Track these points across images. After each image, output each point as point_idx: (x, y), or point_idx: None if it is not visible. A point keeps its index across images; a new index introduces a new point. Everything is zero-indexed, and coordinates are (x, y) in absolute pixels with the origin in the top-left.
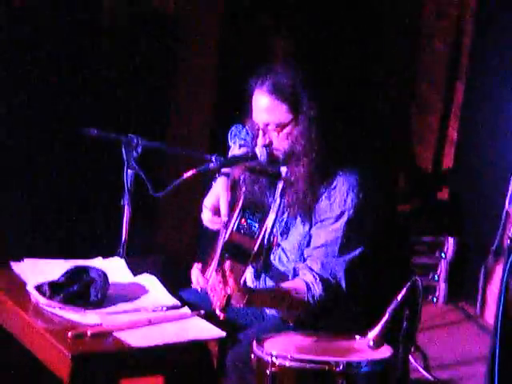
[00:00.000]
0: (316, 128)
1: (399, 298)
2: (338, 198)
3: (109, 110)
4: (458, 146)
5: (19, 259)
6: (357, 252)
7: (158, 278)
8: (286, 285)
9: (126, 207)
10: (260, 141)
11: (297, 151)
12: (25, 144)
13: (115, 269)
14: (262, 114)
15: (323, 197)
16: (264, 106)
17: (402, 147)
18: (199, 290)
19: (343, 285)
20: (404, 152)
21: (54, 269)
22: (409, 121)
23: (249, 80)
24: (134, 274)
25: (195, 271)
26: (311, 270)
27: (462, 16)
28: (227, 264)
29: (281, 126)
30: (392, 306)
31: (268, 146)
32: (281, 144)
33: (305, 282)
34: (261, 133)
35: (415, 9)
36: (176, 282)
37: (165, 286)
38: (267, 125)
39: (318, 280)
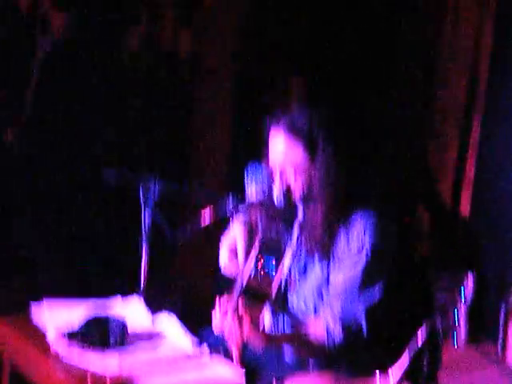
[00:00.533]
0: (333, 168)
1: (419, 339)
2: (355, 238)
3: (127, 152)
4: (476, 184)
5: (39, 298)
6: (377, 294)
7: (177, 316)
8: (305, 330)
9: (144, 249)
10: (277, 185)
11: (314, 193)
12: (44, 181)
13: (134, 310)
14: (278, 154)
15: (341, 238)
16: (280, 145)
17: (421, 184)
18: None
19: (364, 328)
20: (424, 189)
21: (73, 312)
22: (427, 158)
23: (265, 120)
24: (153, 313)
25: (216, 313)
26: (331, 313)
27: (478, 55)
28: (244, 306)
29: (297, 166)
30: (411, 347)
31: (286, 190)
32: (298, 185)
33: (325, 326)
34: (278, 177)
35: (431, 46)
36: (195, 322)
37: (185, 324)
38: (284, 168)
39: (337, 325)
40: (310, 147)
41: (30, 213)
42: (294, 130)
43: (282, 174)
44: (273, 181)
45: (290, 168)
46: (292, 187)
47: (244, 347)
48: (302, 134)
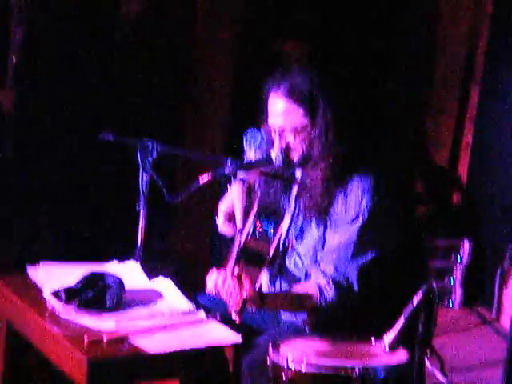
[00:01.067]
0: (332, 131)
1: (414, 302)
2: (353, 202)
3: (125, 114)
4: (473, 149)
5: (35, 262)
6: (370, 255)
7: (173, 281)
8: (298, 288)
9: (141, 211)
10: (276, 145)
11: (313, 155)
12: (41, 147)
13: (131, 273)
14: (278, 118)
15: (338, 200)
16: (280, 109)
17: (417, 150)
18: (213, 293)
19: (356, 288)
20: (420, 155)
21: (69, 273)
22: (424, 123)
23: (264, 83)
24: (150, 278)
25: (212, 276)
26: (324, 273)
27: (478, 20)
28: (243, 268)
29: (297, 130)
30: (407, 311)
31: (285, 149)
32: (297, 147)
33: (317, 285)
34: (277, 137)
35: (431, 13)
36: (192, 286)
37: (180, 289)
38: (283, 129)
39: (330, 283)
40: (310, 111)
41: (27, 176)
42: (294, 94)
43: (281, 135)
44: (272, 144)
45: (289, 131)
46: (291, 149)
47: (242, 307)
48: (302, 97)
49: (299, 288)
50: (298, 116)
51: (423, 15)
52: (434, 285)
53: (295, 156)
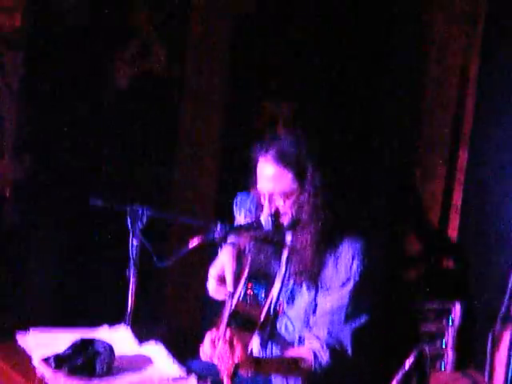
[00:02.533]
0: (322, 195)
1: (406, 366)
2: (344, 265)
3: (113, 177)
4: (463, 213)
5: (25, 328)
6: (363, 319)
7: (164, 346)
8: (292, 353)
9: (131, 277)
10: (266, 209)
11: (303, 219)
12: (32, 213)
13: (121, 338)
14: (267, 182)
15: (329, 263)
16: (269, 174)
17: (407, 214)
18: (206, 358)
19: (350, 352)
20: (412, 217)
21: (59, 340)
22: (415, 185)
23: (253, 148)
24: (140, 343)
25: (206, 340)
26: (317, 337)
27: (465, 84)
28: (234, 332)
29: (286, 194)
30: (399, 375)
31: (274, 214)
32: (287, 211)
33: (312, 350)
34: (267, 201)
35: (418, 77)
36: (183, 351)
37: (171, 355)
38: (273, 193)
39: (324, 348)
40: (300, 176)
41: (17, 242)
42: (282, 159)
43: (270, 200)
44: (261, 208)
45: (278, 195)
46: (281, 213)
47: (234, 372)
48: (291, 162)
49: (293, 353)
50: (286, 180)
51: (410, 77)
52: (426, 348)
53: (285, 220)
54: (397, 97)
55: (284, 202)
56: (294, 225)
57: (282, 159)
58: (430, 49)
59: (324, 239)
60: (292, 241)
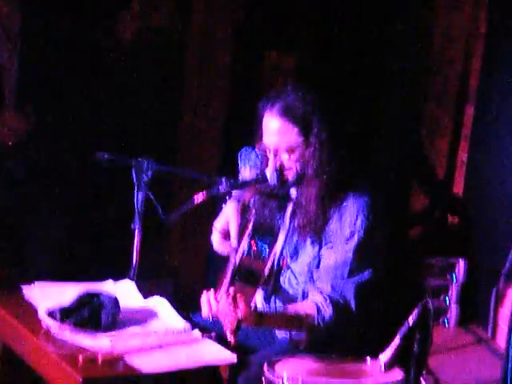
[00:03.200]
0: (327, 150)
1: (410, 321)
2: (348, 220)
3: (119, 132)
4: (469, 169)
5: (30, 281)
6: (366, 274)
7: (168, 300)
8: (295, 307)
9: (136, 230)
10: (271, 163)
11: (308, 173)
12: (36, 167)
13: (126, 292)
14: (272, 136)
15: (333, 218)
16: (275, 128)
17: (415, 163)
18: (210, 317)
19: (353, 306)
20: (416, 173)
21: (64, 293)
22: (420, 142)
23: (259, 103)
24: (145, 297)
25: (205, 297)
26: (321, 291)
27: (472, 40)
28: (237, 287)
29: (292, 149)
30: (403, 329)
31: (279, 168)
32: (292, 166)
33: (315, 303)
34: (272, 156)
35: (425, 33)
36: (187, 305)
37: (176, 308)
38: (278, 147)
39: (328, 302)
40: (305, 130)
41: (21, 197)
42: (288, 114)
43: (275, 154)
44: (266, 162)
45: (284, 149)
46: (286, 168)
47: (237, 326)
48: (297, 117)
49: (297, 307)
50: (292, 135)
51: (417, 34)
52: (430, 303)
53: (290, 175)
54: (403, 52)
55: (289, 156)
56: (299, 179)
57: (288, 113)
58: (437, 2)
59: (329, 194)
60: (297, 195)
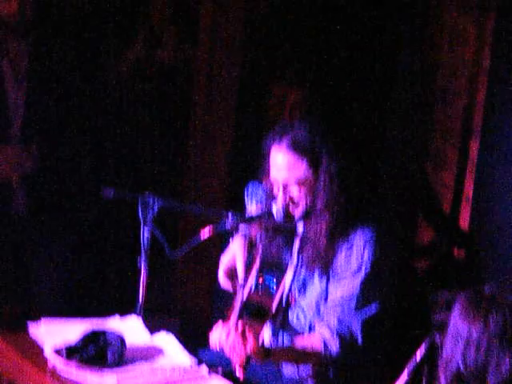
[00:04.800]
0: (337, 182)
1: (418, 356)
2: (355, 253)
3: (125, 168)
4: (474, 203)
5: (36, 318)
6: (373, 307)
7: (175, 336)
8: (303, 342)
9: (142, 266)
10: (280, 199)
11: (317, 207)
12: (40, 203)
13: (132, 328)
14: (281, 171)
15: (341, 252)
16: (284, 163)
17: (420, 201)
18: (217, 348)
19: (359, 341)
20: (422, 206)
21: (71, 330)
22: (426, 176)
23: (266, 137)
24: (151, 333)
25: (215, 331)
26: (328, 326)
27: (476, 73)
28: (246, 322)
29: (301, 183)
30: (410, 365)
31: (287, 204)
32: (301, 200)
33: (322, 338)
34: (281, 191)
35: (430, 66)
36: (194, 341)
37: (182, 345)
38: (287, 182)
39: (334, 336)
40: (314, 163)
41: (25, 234)
42: (297, 148)
43: (285, 189)
44: (273, 197)
45: (293, 183)
46: (295, 203)
47: (246, 362)
48: (306, 150)
49: (304, 341)
50: (301, 168)
51: (422, 65)
52: (438, 338)
53: (298, 210)
54: (408, 85)
55: (299, 190)
56: (307, 214)
57: (296, 147)
58: (441, 37)
59: (338, 229)
60: (304, 230)
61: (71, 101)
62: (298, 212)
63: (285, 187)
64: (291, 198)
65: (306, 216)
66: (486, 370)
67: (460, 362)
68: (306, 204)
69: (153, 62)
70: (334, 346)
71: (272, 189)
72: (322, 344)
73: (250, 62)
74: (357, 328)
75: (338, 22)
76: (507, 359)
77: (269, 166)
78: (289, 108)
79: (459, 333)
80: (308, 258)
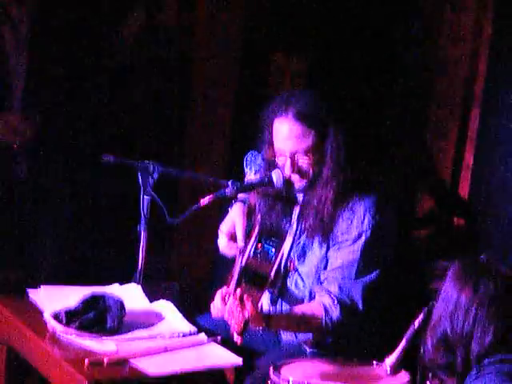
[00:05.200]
0: (344, 150)
1: (416, 324)
2: (355, 220)
3: (125, 136)
4: (474, 172)
5: (36, 284)
6: (374, 274)
7: (174, 304)
8: (303, 308)
9: (142, 233)
10: (288, 169)
11: (324, 175)
12: (41, 170)
13: (131, 295)
14: (288, 142)
15: (341, 218)
16: (291, 134)
17: (420, 171)
18: (216, 315)
19: (360, 307)
20: (422, 175)
21: (70, 296)
22: (426, 145)
23: (267, 107)
24: (151, 301)
25: (217, 298)
26: (328, 292)
27: (478, 42)
28: (244, 289)
29: (310, 151)
30: (409, 333)
31: (295, 172)
32: (309, 169)
33: (322, 304)
34: (288, 161)
35: (430, 34)
36: (192, 308)
37: (181, 312)
38: (295, 151)
39: (335, 302)
40: (321, 133)
41: (26, 199)
42: (304, 118)
43: (292, 159)
44: (274, 166)
45: (302, 153)
46: (303, 172)
47: (244, 328)
48: (313, 121)
49: (304, 308)
50: (309, 138)
51: (424, 34)
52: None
53: (304, 179)
54: (410, 54)
55: (308, 159)
56: (311, 184)
57: (304, 117)
58: (443, 6)
59: (341, 197)
60: (304, 197)
61: (72, 68)
62: (302, 181)
63: (292, 157)
64: (299, 168)
65: (310, 185)
66: (471, 337)
67: (447, 325)
68: (313, 173)
69: (152, 28)
70: (335, 312)
71: (274, 158)
72: (323, 310)
73: (250, 30)
74: (357, 294)
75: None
76: (491, 329)
77: (271, 136)
78: (289, 76)
79: (449, 297)
80: (309, 225)
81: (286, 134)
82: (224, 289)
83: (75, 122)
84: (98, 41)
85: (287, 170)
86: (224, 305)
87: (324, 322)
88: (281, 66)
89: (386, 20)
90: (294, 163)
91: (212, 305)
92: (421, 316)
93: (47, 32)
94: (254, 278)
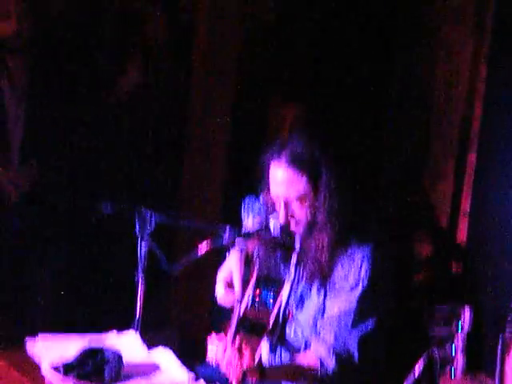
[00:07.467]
0: (337, 195)
1: (416, 371)
2: (353, 269)
3: (121, 183)
4: (472, 216)
5: (33, 334)
6: (371, 323)
7: (172, 352)
8: (299, 359)
9: (140, 281)
10: (282, 215)
11: (319, 221)
12: (39, 218)
13: (130, 343)
14: (281, 187)
15: (339, 267)
16: (284, 179)
17: (418, 213)
18: (213, 363)
19: (356, 358)
20: (420, 220)
21: (68, 346)
22: (423, 187)
23: (264, 152)
24: (149, 348)
25: (212, 344)
26: (324, 342)
27: (473, 88)
28: (243, 337)
29: (302, 198)
30: (409, 380)
31: (290, 218)
32: (303, 216)
33: (318, 356)
34: (282, 207)
35: (427, 82)
36: (191, 357)
37: (180, 360)
38: (288, 197)
39: (330, 353)
40: (314, 177)
41: (26, 249)
42: (296, 162)
43: (286, 206)
44: (272, 212)
45: (294, 199)
46: (297, 216)
47: (243, 378)
48: (305, 164)
49: (300, 359)
50: (301, 184)
51: (420, 78)
52: (436, 353)
53: (299, 225)
54: (406, 98)
55: (300, 205)
56: (308, 230)
57: (296, 161)
58: (438, 49)
59: (337, 244)
60: (303, 244)
61: (68, 117)
62: (298, 228)
63: (286, 204)
64: (293, 215)
65: (307, 230)
66: None
67: None
68: (307, 219)
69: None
70: (330, 365)
71: (272, 204)
72: (318, 361)
73: (246, 79)
74: (353, 345)
75: (336, 37)
76: None
77: (268, 182)
78: (289, 125)
79: None
80: (308, 271)
81: (280, 179)
82: (222, 337)
83: (73, 168)
84: (93, 92)
85: (282, 217)
86: (222, 355)
87: (320, 373)
88: (279, 116)
89: (381, 65)
90: (287, 209)
91: (208, 349)
92: (421, 363)
93: (45, 84)
94: (253, 327)
